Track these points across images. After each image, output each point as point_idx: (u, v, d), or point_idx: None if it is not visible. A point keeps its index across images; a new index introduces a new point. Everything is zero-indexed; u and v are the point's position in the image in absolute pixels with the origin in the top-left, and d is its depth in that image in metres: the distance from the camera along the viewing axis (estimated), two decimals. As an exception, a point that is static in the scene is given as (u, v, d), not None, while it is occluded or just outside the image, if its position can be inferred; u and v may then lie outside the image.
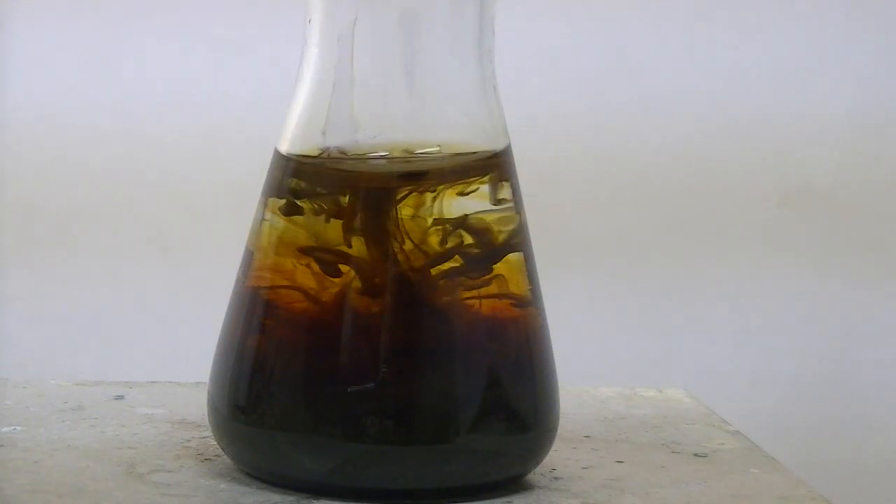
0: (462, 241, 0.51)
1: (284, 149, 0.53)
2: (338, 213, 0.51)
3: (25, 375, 0.68)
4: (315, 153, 0.52)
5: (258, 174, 0.54)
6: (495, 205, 0.52)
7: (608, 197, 0.87)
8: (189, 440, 0.58)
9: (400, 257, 0.50)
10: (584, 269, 0.87)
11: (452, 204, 0.51)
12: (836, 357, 0.89)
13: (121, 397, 0.65)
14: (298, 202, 0.52)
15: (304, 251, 0.51)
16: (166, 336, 0.84)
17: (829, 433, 0.89)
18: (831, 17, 0.87)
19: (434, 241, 0.51)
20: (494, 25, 0.53)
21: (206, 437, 0.57)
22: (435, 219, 0.51)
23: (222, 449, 0.54)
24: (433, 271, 0.51)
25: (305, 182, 0.52)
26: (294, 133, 0.53)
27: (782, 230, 0.88)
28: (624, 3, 0.86)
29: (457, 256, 0.51)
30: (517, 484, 0.53)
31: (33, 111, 0.83)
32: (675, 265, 0.88)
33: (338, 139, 0.52)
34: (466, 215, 0.51)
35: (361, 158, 0.52)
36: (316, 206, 0.51)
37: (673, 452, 0.59)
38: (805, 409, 0.89)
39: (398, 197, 0.51)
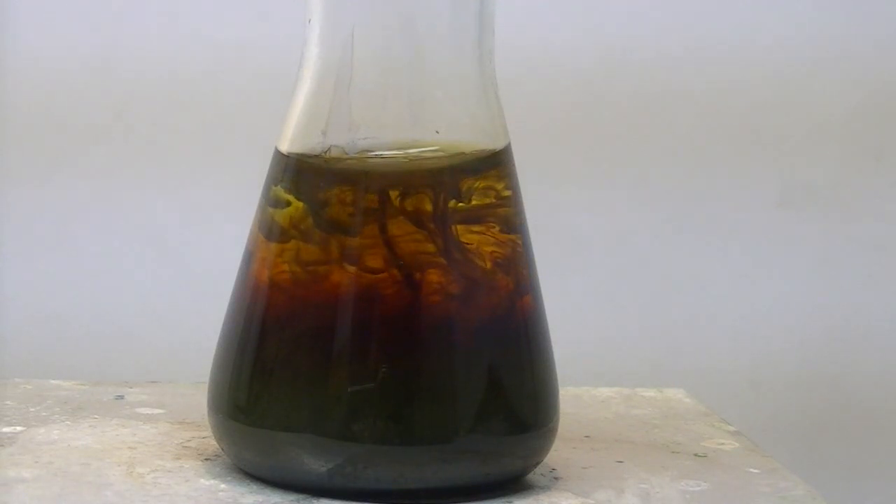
0: (462, 241, 0.51)
1: (285, 148, 0.53)
2: (338, 212, 0.51)
3: (25, 375, 0.68)
4: (315, 152, 0.52)
5: (258, 174, 0.54)
6: (495, 204, 0.52)
7: (608, 196, 0.87)
8: (189, 440, 0.58)
9: (399, 257, 0.50)
10: (583, 268, 0.87)
11: (452, 203, 0.51)
12: (836, 357, 0.89)
13: (121, 397, 0.65)
14: (299, 201, 0.52)
15: (304, 251, 0.51)
16: (166, 336, 0.84)
17: (829, 433, 0.89)
18: (832, 16, 0.87)
19: (434, 240, 0.51)
20: (494, 25, 0.53)
21: (206, 437, 0.57)
22: (435, 218, 0.51)
23: (222, 449, 0.54)
24: (433, 270, 0.51)
25: (306, 181, 0.52)
26: (294, 132, 0.53)
27: (782, 230, 0.88)
28: (623, 2, 0.86)
29: (456, 255, 0.51)
30: (517, 484, 0.53)
31: (33, 110, 0.83)
32: (674, 265, 0.88)
33: (338, 138, 0.52)
34: (466, 215, 0.51)
35: (361, 158, 0.52)
36: (316, 205, 0.51)
37: (673, 452, 0.59)
38: (805, 409, 0.89)
39: (398, 196, 0.51)
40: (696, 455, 0.59)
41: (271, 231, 0.52)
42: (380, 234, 0.51)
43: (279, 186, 0.53)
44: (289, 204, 0.52)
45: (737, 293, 0.88)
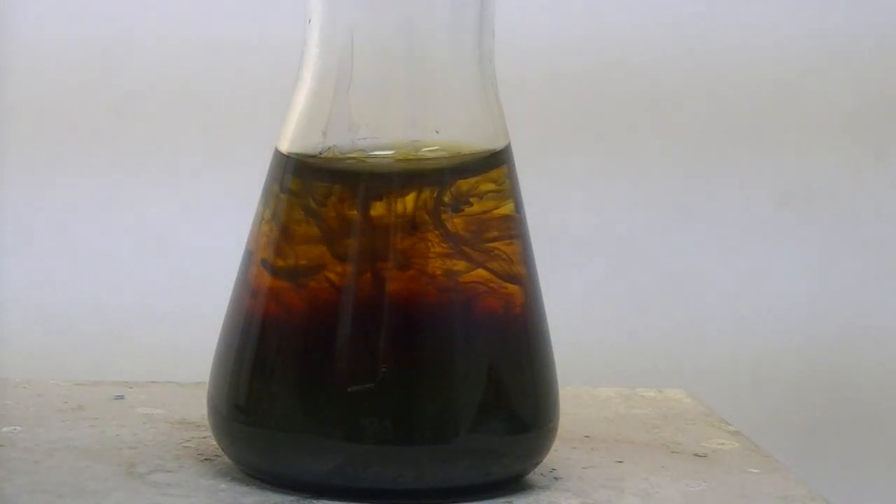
0: (462, 241, 0.51)
1: (284, 148, 0.53)
2: (337, 212, 0.51)
3: (25, 375, 0.68)
4: (315, 153, 0.52)
5: (258, 174, 0.54)
6: (495, 204, 0.52)
7: (608, 196, 0.87)
8: (189, 440, 0.58)
9: (400, 257, 0.50)
10: (583, 268, 0.87)
11: (452, 203, 0.51)
12: (837, 357, 0.89)
13: (121, 397, 0.65)
14: (298, 202, 0.52)
15: (304, 251, 0.51)
16: (166, 336, 0.84)
17: (829, 433, 0.89)
18: (831, 16, 0.87)
19: (434, 240, 0.51)
20: (494, 25, 0.53)
21: (206, 437, 0.57)
22: (435, 218, 0.51)
23: (222, 449, 0.54)
24: (433, 270, 0.51)
25: (305, 181, 0.52)
26: (294, 132, 0.53)
27: (782, 230, 0.88)
28: (624, 2, 0.86)
29: (457, 256, 0.51)
30: (517, 484, 0.53)
31: (33, 109, 0.83)
32: (674, 265, 0.88)
33: (338, 139, 0.52)
34: (466, 215, 0.51)
35: (361, 158, 0.52)
36: (316, 205, 0.51)
37: (673, 452, 0.59)
38: (805, 409, 0.89)
39: (398, 196, 0.51)
40: (696, 455, 0.59)
41: (271, 231, 0.52)
42: (379, 234, 0.51)
43: (279, 187, 0.52)
44: (288, 204, 0.52)
45: (737, 293, 0.88)
